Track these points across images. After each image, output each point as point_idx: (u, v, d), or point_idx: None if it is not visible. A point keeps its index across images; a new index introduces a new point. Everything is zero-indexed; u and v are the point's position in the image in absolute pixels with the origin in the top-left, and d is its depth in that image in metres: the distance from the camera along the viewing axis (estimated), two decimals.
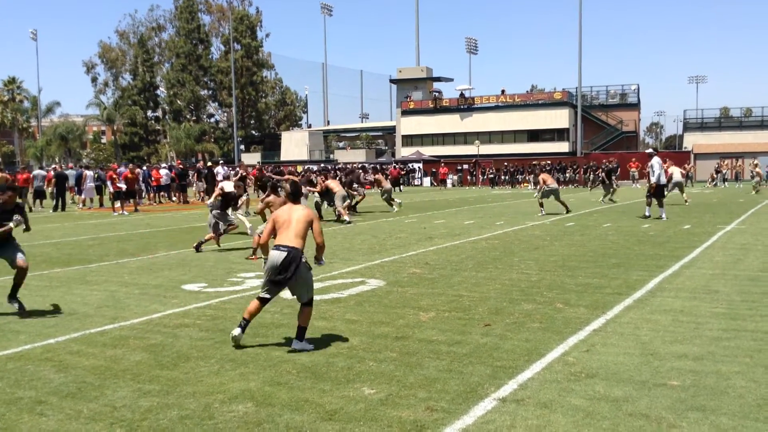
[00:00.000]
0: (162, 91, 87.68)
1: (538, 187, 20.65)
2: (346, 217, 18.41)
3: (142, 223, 19.63)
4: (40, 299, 8.33)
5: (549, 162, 46.91)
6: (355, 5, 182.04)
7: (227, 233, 13.21)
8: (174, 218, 21.66)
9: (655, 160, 17.88)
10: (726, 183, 44.57)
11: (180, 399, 4.69)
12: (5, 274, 10.47)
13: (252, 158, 68.01)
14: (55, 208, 26.24)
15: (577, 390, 4.72)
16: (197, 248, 12.54)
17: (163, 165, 40.05)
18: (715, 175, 43.54)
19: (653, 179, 17.63)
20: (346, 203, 19.11)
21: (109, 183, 24.93)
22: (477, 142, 56.74)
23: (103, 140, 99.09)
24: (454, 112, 61.35)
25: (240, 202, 14.85)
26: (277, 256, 5.80)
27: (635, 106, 63.02)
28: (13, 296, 7.61)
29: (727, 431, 4.01)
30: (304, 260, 5.85)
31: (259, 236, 12.77)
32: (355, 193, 21.51)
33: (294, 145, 70.78)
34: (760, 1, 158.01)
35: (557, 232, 15.10)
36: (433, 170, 54.10)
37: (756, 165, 36.52)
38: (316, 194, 19.44)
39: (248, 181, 21.91)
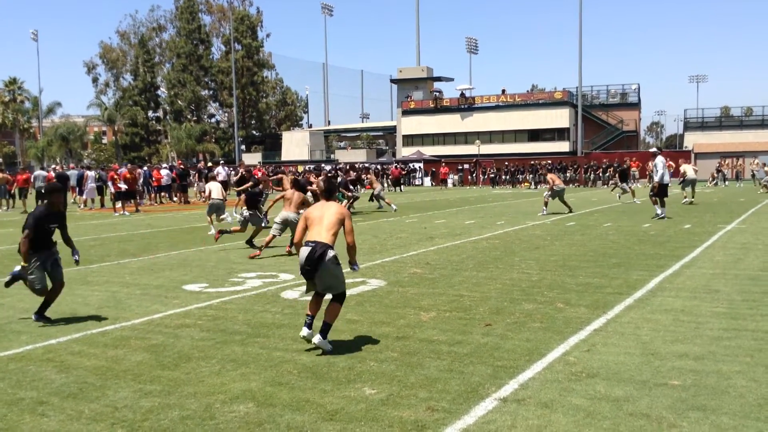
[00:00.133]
0: (163, 92, 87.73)
1: (548, 186, 20.60)
2: None
3: (143, 224, 19.64)
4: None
5: (549, 162, 46.91)
6: (355, 5, 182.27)
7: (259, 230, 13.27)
8: (175, 218, 21.67)
9: (659, 159, 17.86)
10: (726, 182, 44.54)
11: (181, 399, 4.69)
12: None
13: (253, 158, 68.07)
14: None
15: (578, 390, 4.72)
16: (250, 244, 12.74)
17: (164, 165, 40.06)
18: (715, 174, 43.52)
19: (656, 179, 17.63)
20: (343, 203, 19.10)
21: (110, 183, 24.94)
22: (477, 141, 56.75)
23: (104, 141, 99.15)
24: (454, 112, 61.36)
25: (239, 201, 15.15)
26: (303, 251, 5.80)
27: (636, 106, 63.02)
28: (41, 313, 7.17)
29: (727, 431, 4.01)
30: (332, 254, 5.75)
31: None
32: (349, 194, 21.48)
33: (295, 145, 70.82)
34: (760, 1, 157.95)
35: (558, 232, 15.10)
36: (433, 170, 54.12)
37: (765, 165, 36.62)
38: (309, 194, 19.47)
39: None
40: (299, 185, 12.75)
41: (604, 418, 4.21)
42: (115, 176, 24.40)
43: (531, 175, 46.77)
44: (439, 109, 62.12)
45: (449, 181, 50.76)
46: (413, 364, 5.38)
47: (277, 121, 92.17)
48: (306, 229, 5.98)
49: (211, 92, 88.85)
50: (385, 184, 46.16)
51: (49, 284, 7.15)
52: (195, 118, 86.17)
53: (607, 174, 46.35)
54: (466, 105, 61.34)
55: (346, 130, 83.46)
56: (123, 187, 24.03)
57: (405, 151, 62.02)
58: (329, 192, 6.22)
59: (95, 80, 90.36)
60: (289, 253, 11.96)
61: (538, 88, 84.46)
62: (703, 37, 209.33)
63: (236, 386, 4.94)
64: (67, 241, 7.45)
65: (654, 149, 20.30)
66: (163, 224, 19.45)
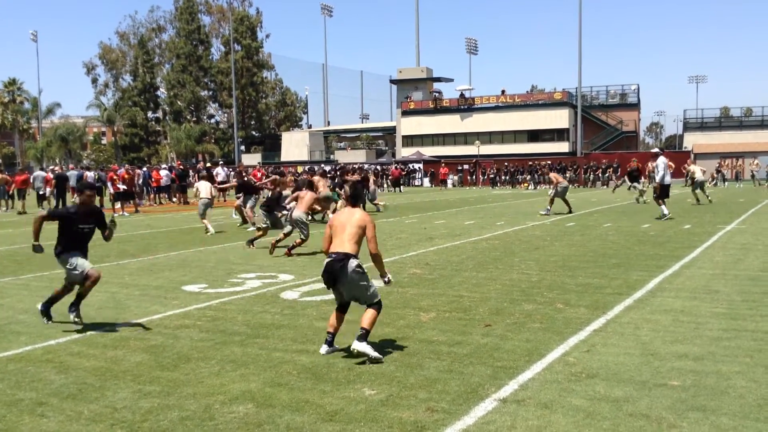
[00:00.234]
0: (162, 92, 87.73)
1: (553, 184, 20.57)
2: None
3: (142, 224, 19.63)
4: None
5: (549, 162, 46.92)
6: (355, 6, 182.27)
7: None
8: (174, 219, 21.67)
9: (661, 160, 17.86)
10: (726, 183, 44.56)
11: (180, 400, 4.69)
12: (6, 275, 10.49)
13: (252, 159, 68.07)
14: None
15: (578, 390, 4.72)
16: (289, 251, 12.43)
17: (164, 166, 40.08)
18: (715, 175, 43.54)
19: (657, 179, 17.66)
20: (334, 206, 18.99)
21: (109, 184, 24.95)
22: (477, 142, 56.76)
23: (104, 141, 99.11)
24: (454, 113, 61.37)
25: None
26: (325, 263, 5.69)
27: (635, 106, 63.03)
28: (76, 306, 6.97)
29: (727, 431, 4.01)
30: (354, 264, 5.61)
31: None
32: (341, 193, 21.46)
33: (294, 146, 70.81)
34: (760, 1, 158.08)
35: (558, 233, 15.10)
36: (432, 171, 54.11)
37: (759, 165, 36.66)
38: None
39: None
40: (311, 185, 12.90)
41: (603, 418, 4.21)
42: (115, 177, 24.41)
43: (529, 176, 46.81)
44: (439, 109, 62.12)
45: (449, 182, 50.78)
46: (413, 365, 5.38)
47: (277, 122, 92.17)
48: (330, 236, 5.85)
49: (210, 93, 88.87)
50: (385, 185, 46.21)
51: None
52: (194, 119, 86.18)
53: (607, 174, 46.41)
54: (465, 105, 61.35)
55: (345, 130, 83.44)
56: (122, 187, 24.04)
57: (404, 152, 62.02)
58: (355, 198, 5.98)
59: (95, 81, 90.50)
60: (288, 255, 11.97)
61: (538, 88, 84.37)
62: (703, 38, 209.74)
63: (236, 387, 4.94)
64: (108, 239, 7.23)
65: (656, 150, 20.27)
66: (163, 225, 19.45)
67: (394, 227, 17.23)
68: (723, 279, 8.90)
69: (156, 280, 9.72)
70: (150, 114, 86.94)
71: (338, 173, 24.50)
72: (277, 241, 12.30)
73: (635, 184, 25.23)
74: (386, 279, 5.99)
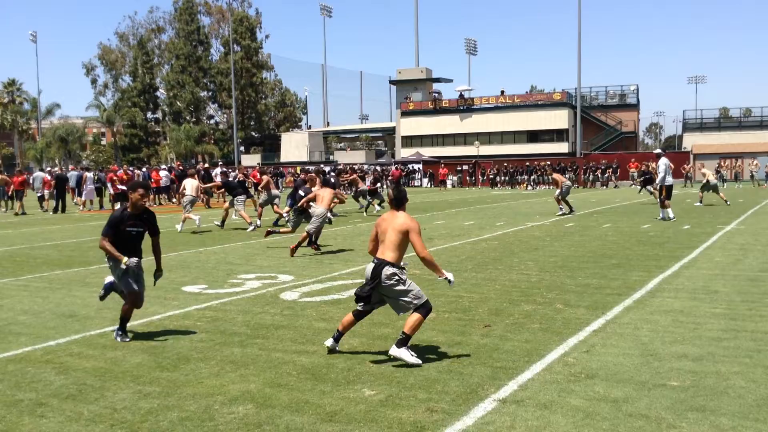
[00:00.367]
0: (162, 93, 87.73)
1: (558, 185, 20.51)
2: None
3: None
4: (40, 300, 8.34)
5: (549, 162, 46.92)
6: (354, 6, 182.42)
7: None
8: (174, 220, 21.62)
9: (662, 161, 17.86)
10: (725, 183, 44.57)
11: (180, 401, 4.69)
12: (6, 275, 10.49)
13: (252, 159, 68.07)
14: (56, 210, 26.29)
15: (577, 391, 4.72)
16: (315, 248, 12.59)
17: (163, 167, 40.06)
18: (715, 176, 43.54)
19: (658, 181, 17.70)
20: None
21: (109, 185, 24.96)
22: (477, 142, 56.79)
23: (103, 142, 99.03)
24: (453, 113, 61.40)
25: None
26: (367, 268, 5.65)
27: (634, 107, 63.09)
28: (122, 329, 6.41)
29: (726, 431, 4.02)
30: (389, 272, 5.48)
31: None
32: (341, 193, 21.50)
33: (294, 147, 70.81)
34: (760, 1, 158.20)
35: (557, 233, 15.11)
36: (431, 171, 54.11)
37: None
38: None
39: (248, 182, 21.85)
40: (329, 182, 12.91)
41: (603, 418, 4.22)
42: (114, 177, 24.43)
43: (526, 176, 46.82)
44: (438, 110, 62.15)
45: (448, 182, 50.80)
46: (412, 365, 5.38)
47: (276, 123, 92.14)
48: (375, 238, 5.79)
49: (210, 93, 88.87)
50: (385, 185, 46.23)
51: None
52: (194, 120, 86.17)
53: (606, 175, 46.44)
54: (465, 106, 61.37)
55: (345, 131, 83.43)
56: (122, 188, 24.05)
57: (404, 152, 62.06)
58: (398, 201, 5.80)
59: (94, 82, 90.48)
60: (292, 253, 11.96)
61: (537, 89, 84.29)
62: (702, 38, 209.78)
63: (235, 387, 4.94)
64: (156, 251, 6.54)
65: (658, 151, 20.22)
66: (162, 226, 19.34)
67: None
68: (722, 279, 8.91)
69: None
70: (149, 115, 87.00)
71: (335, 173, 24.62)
72: (298, 245, 12.26)
73: (648, 187, 25.07)
74: (445, 277, 5.66)
